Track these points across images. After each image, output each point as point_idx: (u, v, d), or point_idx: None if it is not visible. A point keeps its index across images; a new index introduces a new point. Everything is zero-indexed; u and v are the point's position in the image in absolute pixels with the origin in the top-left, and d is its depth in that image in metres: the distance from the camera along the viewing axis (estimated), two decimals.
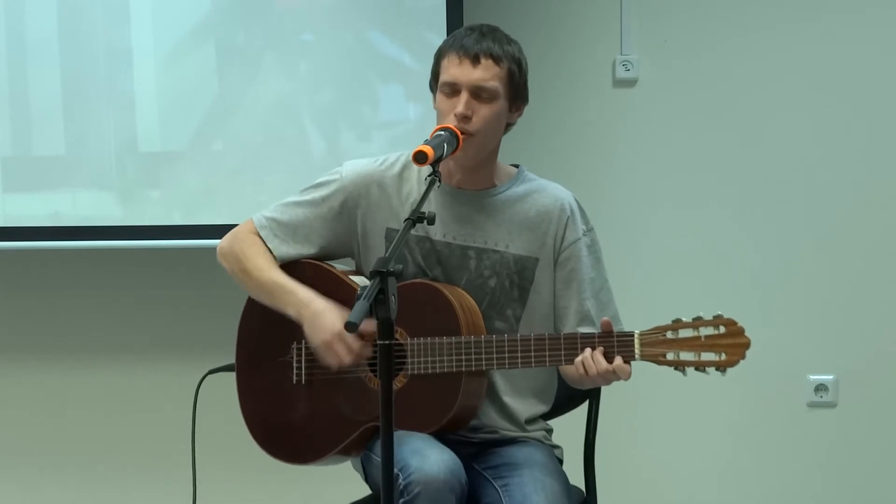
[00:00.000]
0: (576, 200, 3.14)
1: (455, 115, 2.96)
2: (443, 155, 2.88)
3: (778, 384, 4.36)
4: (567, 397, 3.27)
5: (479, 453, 3.09)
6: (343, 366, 2.99)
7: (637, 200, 4.36)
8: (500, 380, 3.10)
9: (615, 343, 2.88)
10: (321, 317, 3.00)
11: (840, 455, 4.37)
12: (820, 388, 4.37)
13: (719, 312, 2.84)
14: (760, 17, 4.30)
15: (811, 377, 4.38)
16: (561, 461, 3.18)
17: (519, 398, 3.13)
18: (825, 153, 4.32)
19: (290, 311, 3.04)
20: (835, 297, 4.34)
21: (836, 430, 4.37)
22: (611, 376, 2.88)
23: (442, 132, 2.93)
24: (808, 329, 4.36)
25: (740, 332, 2.83)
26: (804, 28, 4.30)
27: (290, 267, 3.13)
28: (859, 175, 4.32)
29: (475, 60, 2.98)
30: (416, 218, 2.76)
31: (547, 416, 3.23)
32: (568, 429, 3.32)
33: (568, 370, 3.02)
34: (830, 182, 4.32)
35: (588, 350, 2.89)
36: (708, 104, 4.33)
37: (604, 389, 3.28)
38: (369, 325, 2.93)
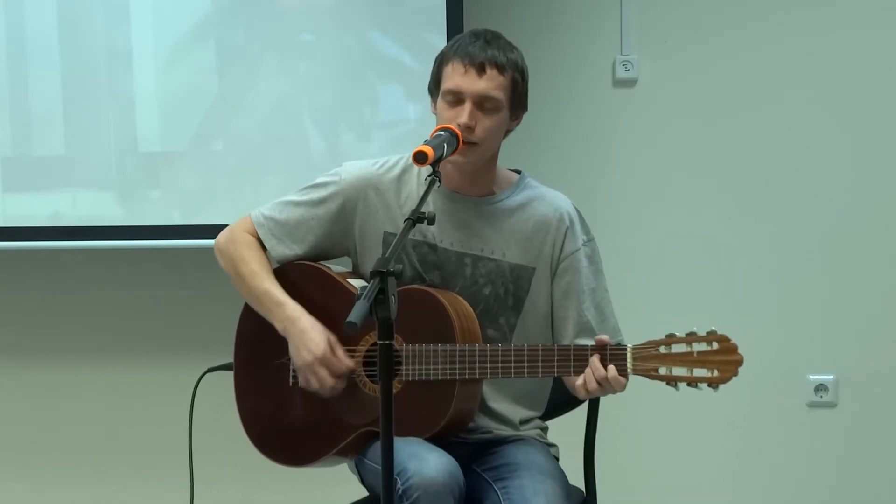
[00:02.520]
0: (576, 209, 3.12)
1: (459, 126, 2.94)
2: (443, 155, 2.88)
3: (778, 384, 4.35)
4: (566, 398, 3.26)
5: (477, 454, 3.09)
6: (324, 391, 3.00)
7: (636, 200, 4.36)
8: (485, 387, 3.09)
9: (608, 356, 2.88)
10: (306, 336, 3.00)
11: (840, 455, 4.37)
12: (820, 388, 4.37)
13: (713, 328, 2.84)
14: (760, 16, 4.30)
15: (811, 377, 4.38)
16: (557, 459, 3.18)
17: (505, 403, 3.13)
18: (825, 153, 4.32)
19: (277, 325, 3.05)
20: (835, 298, 4.34)
21: (836, 430, 4.37)
22: (606, 384, 2.88)
23: (442, 132, 2.92)
24: (808, 329, 4.36)
25: (733, 349, 2.83)
26: (804, 27, 4.29)
27: (288, 269, 3.13)
28: (859, 175, 4.32)
29: (480, 70, 2.97)
30: (416, 218, 2.76)
31: (546, 416, 3.23)
32: (567, 429, 3.32)
33: (566, 378, 3.02)
34: (830, 182, 4.32)
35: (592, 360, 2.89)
36: (708, 104, 4.33)
37: None
38: (348, 361, 2.96)
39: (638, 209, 4.36)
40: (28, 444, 4.53)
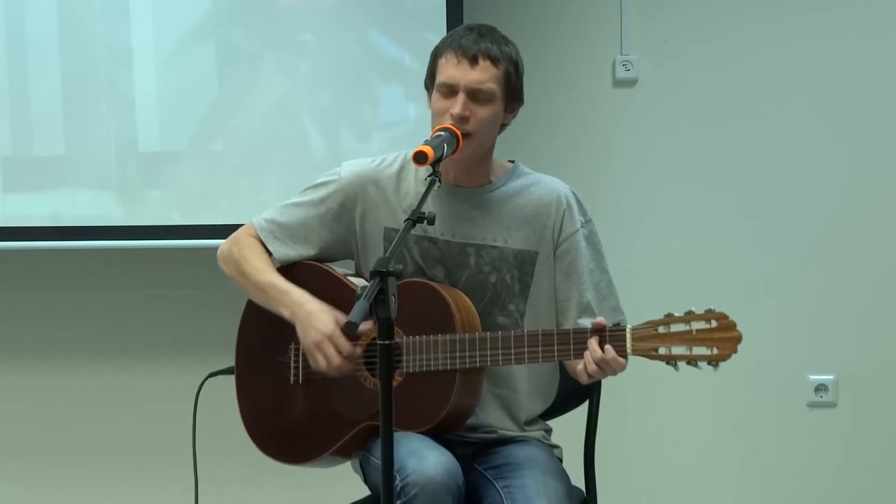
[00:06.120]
0: (572, 192, 3.14)
1: (451, 116, 2.96)
2: (443, 155, 2.89)
3: (778, 384, 4.36)
4: (567, 397, 3.27)
5: (480, 453, 3.09)
6: (332, 368, 3.00)
7: (637, 200, 4.36)
8: (514, 377, 3.10)
9: (607, 338, 2.88)
10: (314, 317, 3.00)
11: (840, 455, 4.37)
12: (820, 388, 4.37)
13: (711, 307, 2.84)
14: (760, 16, 4.30)
15: (811, 377, 4.38)
16: (560, 460, 3.18)
17: (526, 397, 3.13)
18: (825, 153, 4.32)
19: (284, 312, 3.05)
20: (835, 298, 4.34)
21: (836, 430, 4.37)
22: (605, 365, 2.88)
23: (442, 132, 2.93)
24: (808, 329, 4.36)
25: (731, 326, 2.83)
26: (805, 27, 4.30)
27: (290, 268, 3.14)
28: (860, 175, 4.32)
29: (473, 61, 2.98)
30: (416, 218, 2.77)
31: (547, 416, 3.23)
32: (568, 429, 3.32)
33: (567, 363, 3.02)
34: (830, 182, 4.32)
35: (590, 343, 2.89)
36: (708, 104, 4.33)
37: (603, 389, 3.28)
38: (364, 325, 2.95)
39: (638, 209, 4.36)
40: (28, 444, 4.52)
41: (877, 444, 4.37)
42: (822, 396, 4.37)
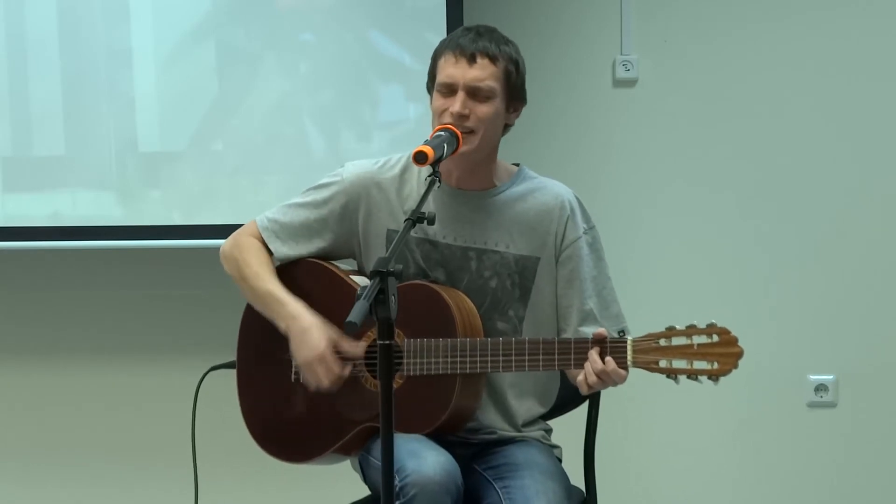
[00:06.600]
0: (576, 198, 3.13)
1: (451, 114, 2.96)
2: (443, 155, 2.88)
3: (778, 384, 4.36)
4: (568, 398, 3.27)
5: (479, 454, 3.09)
6: (321, 388, 3.01)
7: (637, 200, 4.36)
8: (506, 380, 3.10)
9: (608, 349, 2.88)
10: (307, 334, 3.01)
11: (840, 455, 4.37)
12: (820, 388, 4.37)
13: (713, 321, 2.84)
14: (760, 16, 4.30)
15: (811, 377, 4.38)
16: (560, 461, 3.18)
17: (522, 399, 3.13)
18: (825, 153, 4.32)
19: (280, 324, 3.06)
20: (834, 298, 4.34)
21: (836, 430, 4.37)
22: (605, 377, 2.88)
23: (442, 132, 2.93)
24: (808, 329, 4.36)
25: (733, 341, 2.83)
26: (805, 27, 4.29)
27: (292, 266, 3.14)
28: (859, 175, 4.32)
29: (471, 59, 2.98)
30: (416, 218, 2.77)
31: (547, 416, 3.23)
32: (568, 429, 3.32)
33: (568, 372, 3.02)
34: (830, 182, 4.32)
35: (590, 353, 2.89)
36: (708, 104, 4.33)
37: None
38: (355, 348, 2.96)
39: (638, 209, 4.36)
40: (28, 444, 4.53)
41: (877, 444, 4.37)
42: (822, 396, 4.37)
